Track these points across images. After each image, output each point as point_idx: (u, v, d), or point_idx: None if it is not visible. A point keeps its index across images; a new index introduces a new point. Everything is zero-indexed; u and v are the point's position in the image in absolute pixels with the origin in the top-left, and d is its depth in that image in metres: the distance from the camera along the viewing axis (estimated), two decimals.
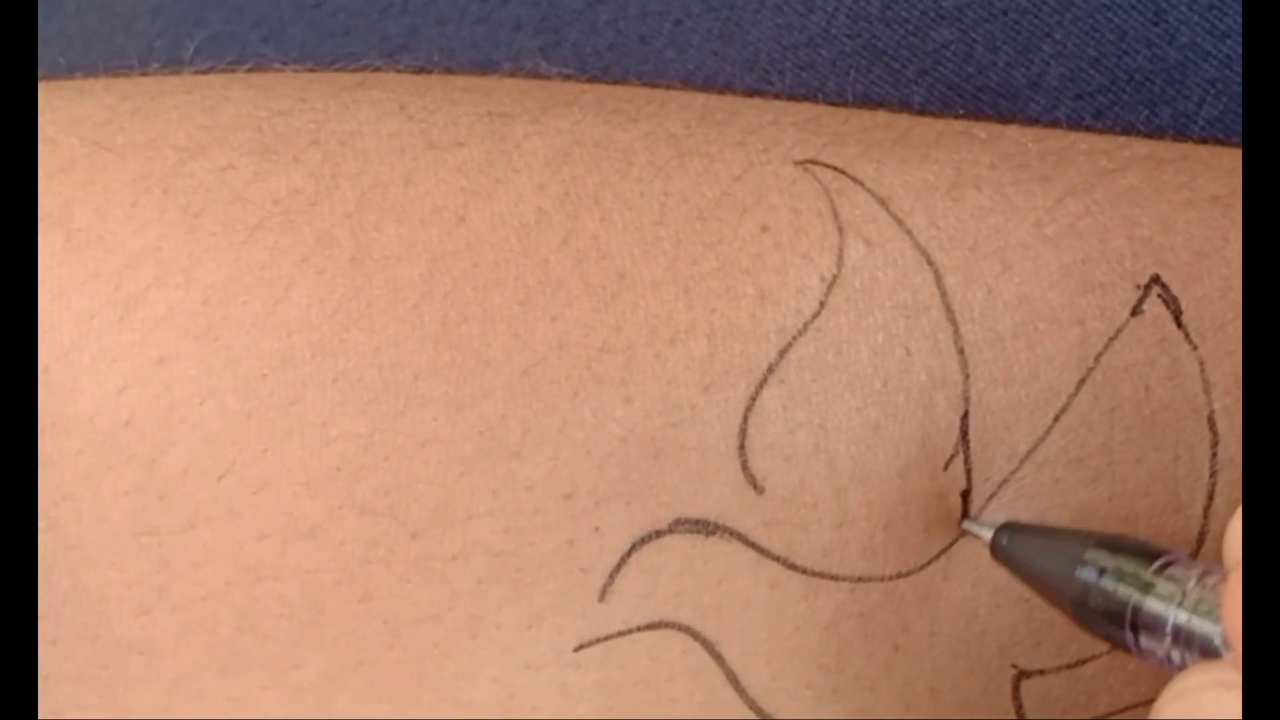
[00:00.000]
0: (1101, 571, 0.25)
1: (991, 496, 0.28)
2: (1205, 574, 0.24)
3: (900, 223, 0.28)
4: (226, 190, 0.27)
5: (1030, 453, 0.28)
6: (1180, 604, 0.23)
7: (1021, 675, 0.29)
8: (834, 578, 0.28)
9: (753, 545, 0.27)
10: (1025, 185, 0.28)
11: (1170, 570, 0.24)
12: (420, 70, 0.30)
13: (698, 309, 0.27)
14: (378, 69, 0.30)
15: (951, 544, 0.28)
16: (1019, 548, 0.27)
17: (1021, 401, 0.27)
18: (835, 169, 0.28)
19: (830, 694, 0.29)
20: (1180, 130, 0.30)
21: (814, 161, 0.28)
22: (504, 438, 0.26)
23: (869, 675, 0.29)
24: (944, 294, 0.27)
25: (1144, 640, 0.24)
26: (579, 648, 0.28)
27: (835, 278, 0.27)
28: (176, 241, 0.26)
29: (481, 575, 0.27)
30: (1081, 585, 0.25)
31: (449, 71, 0.30)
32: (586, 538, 0.27)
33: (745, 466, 0.27)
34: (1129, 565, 0.25)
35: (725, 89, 0.31)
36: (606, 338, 0.27)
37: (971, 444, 0.27)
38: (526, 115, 0.28)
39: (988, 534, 0.27)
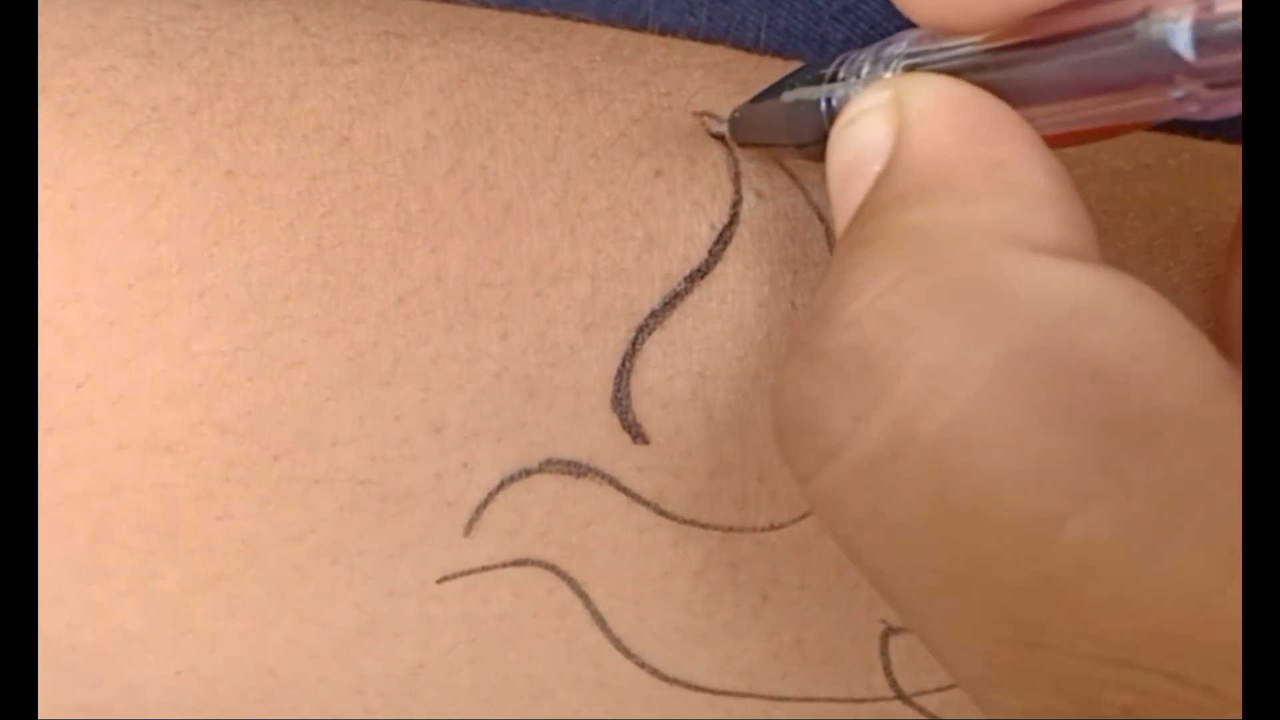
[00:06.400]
0: (796, 97, 0.23)
1: None
2: (878, 48, 0.22)
3: (794, 178, 0.26)
4: (105, 92, 0.25)
5: None
6: (859, 75, 0.22)
7: (890, 631, 0.28)
8: (705, 526, 0.26)
9: (624, 490, 0.26)
10: None
11: (850, 59, 0.23)
12: None
13: (583, 249, 0.25)
14: None
15: None
16: (746, 119, 0.25)
17: None
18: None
19: (697, 639, 0.27)
20: None
21: (708, 114, 0.26)
22: (374, 365, 0.25)
23: (737, 623, 0.27)
24: (833, 250, 0.26)
25: None
26: (442, 580, 0.26)
27: (726, 227, 0.25)
28: (49, 140, 0.24)
29: (344, 501, 0.25)
30: (788, 110, 0.24)
31: None
32: (454, 472, 0.25)
33: (621, 411, 0.25)
34: (816, 78, 0.23)
35: (642, 24, 0.29)
36: (487, 272, 0.25)
37: None
38: (425, 37, 0.26)
39: (725, 125, 0.26)
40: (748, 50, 0.28)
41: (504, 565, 0.26)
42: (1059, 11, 0.19)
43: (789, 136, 0.24)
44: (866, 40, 0.28)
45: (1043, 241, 0.18)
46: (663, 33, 0.28)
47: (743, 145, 0.26)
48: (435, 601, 0.26)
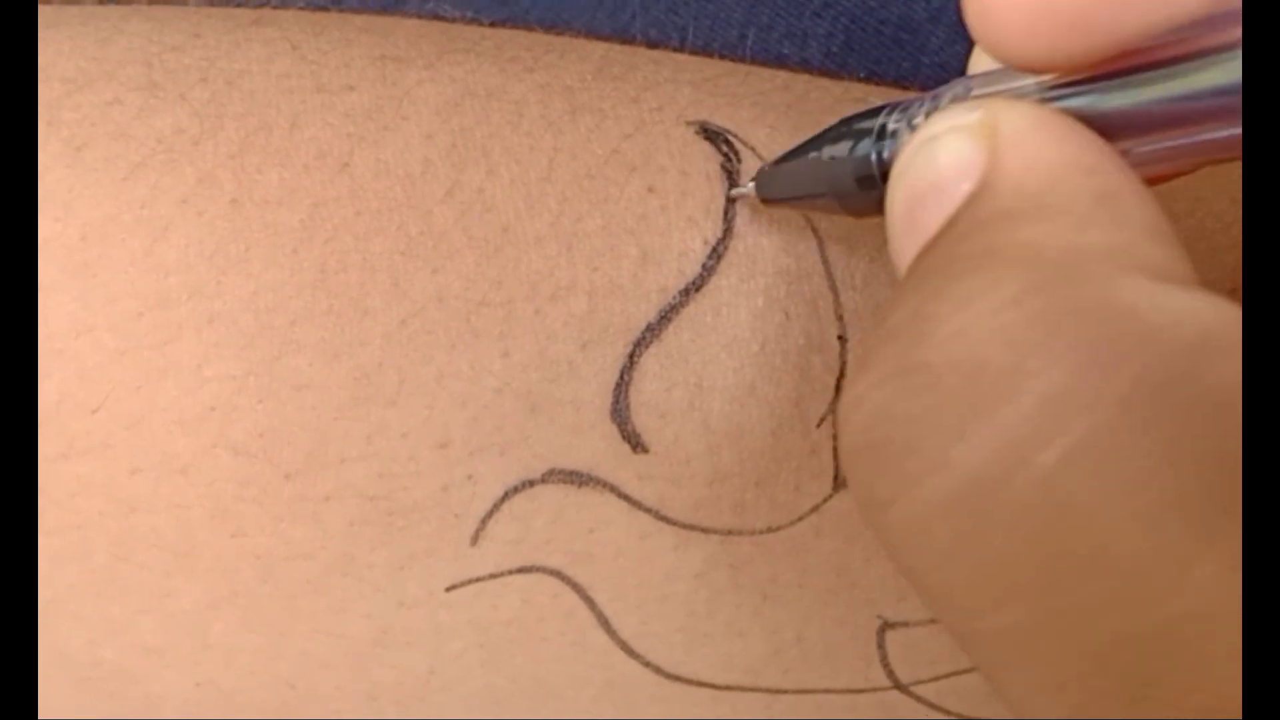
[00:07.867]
0: (838, 152, 0.23)
1: None
2: (933, 96, 0.21)
3: None
4: (111, 125, 0.25)
5: None
6: (911, 125, 0.21)
7: (887, 626, 0.28)
8: (705, 530, 0.27)
9: (625, 497, 0.26)
10: None
11: (899, 108, 0.22)
12: (319, 8, 0.28)
13: (579, 266, 0.25)
14: (277, 5, 0.28)
15: (824, 501, 0.27)
16: (775, 177, 0.25)
17: None
18: (727, 133, 0.26)
19: (701, 638, 0.28)
20: None
21: (705, 125, 0.26)
22: (379, 386, 0.25)
23: (738, 622, 0.28)
24: (826, 262, 0.26)
25: None
26: (450, 588, 0.27)
27: (719, 241, 0.26)
28: (58, 175, 0.25)
29: (353, 517, 0.26)
30: (830, 170, 0.23)
31: (349, 10, 0.28)
32: (459, 485, 0.26)
33: (620, 422, 0.26)
34: (860, 130, 0.22)
35: (626, 33, 0.29)
36: (486, 292, 0.25)
37: None
38: (421, 60, 0.26)
39: (751, 186, 0.25)
40: (735, 60, 0.28)
41: (510, 572, 0.27)
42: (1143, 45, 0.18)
43: (829, 189, 0.23)
44: (847, 35, 0.29)
45: (1160, 272, 0.17)
46: (650, 44, 0.28)
47: (768, 204, 0.25)
48: (444, 610, 0.27)
